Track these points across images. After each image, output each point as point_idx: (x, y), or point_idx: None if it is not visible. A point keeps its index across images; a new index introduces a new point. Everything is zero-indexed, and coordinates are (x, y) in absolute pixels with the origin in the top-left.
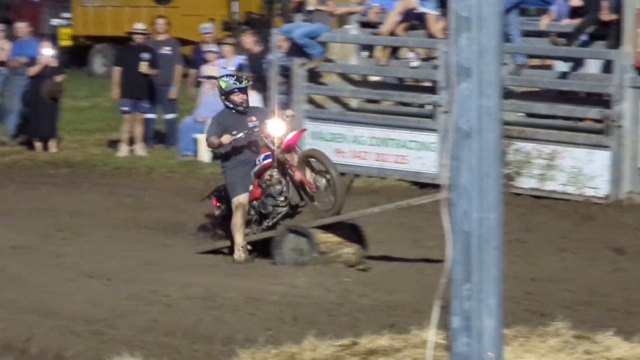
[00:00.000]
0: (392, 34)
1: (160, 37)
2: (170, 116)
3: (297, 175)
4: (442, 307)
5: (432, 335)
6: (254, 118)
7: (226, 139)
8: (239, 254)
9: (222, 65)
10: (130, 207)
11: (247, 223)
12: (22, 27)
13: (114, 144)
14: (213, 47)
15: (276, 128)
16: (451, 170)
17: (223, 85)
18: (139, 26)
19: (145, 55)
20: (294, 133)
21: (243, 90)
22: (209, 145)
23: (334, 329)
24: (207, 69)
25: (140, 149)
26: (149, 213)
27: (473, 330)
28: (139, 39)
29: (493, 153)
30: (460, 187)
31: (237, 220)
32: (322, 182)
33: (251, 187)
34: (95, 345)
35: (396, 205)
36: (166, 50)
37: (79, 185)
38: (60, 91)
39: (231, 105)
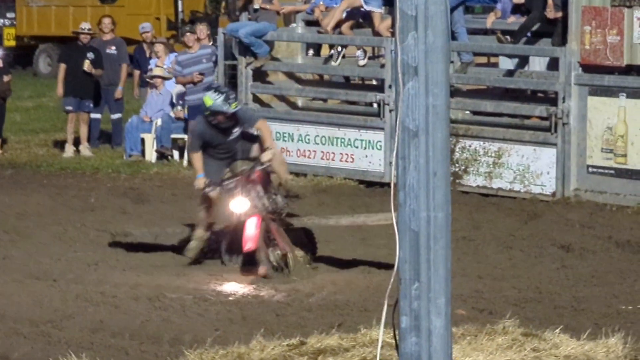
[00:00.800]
0: (338, 32)
1: (106, 37)
2: (116, 116)
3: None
4: (391, 306)
5: (381, 334)
6: (235, 130)
7: (198, 183)
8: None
9: (156, 64)
10: (77, 208)
11: None
12: None
13: (59, 144)
14: (156, 47)
15: (239, 206)
16: (398, 169)
17: (209, 102)
18: (85, 25)
19: (90, 55)
20: (252, 226)
21: (229, 114)
22: (189, 154)
23: (282, 328)
24: (154, 69)
25: (85, 149)
26: (95, 214)
27: (422, 330)
28: (84, 38)
29: (441, 152)
30: (407, 187)
31: (198, 232)
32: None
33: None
34: (42, 347)
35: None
36: (112, 49)
37: (24, 186)
38: (8, 90)
39: (214, 122)
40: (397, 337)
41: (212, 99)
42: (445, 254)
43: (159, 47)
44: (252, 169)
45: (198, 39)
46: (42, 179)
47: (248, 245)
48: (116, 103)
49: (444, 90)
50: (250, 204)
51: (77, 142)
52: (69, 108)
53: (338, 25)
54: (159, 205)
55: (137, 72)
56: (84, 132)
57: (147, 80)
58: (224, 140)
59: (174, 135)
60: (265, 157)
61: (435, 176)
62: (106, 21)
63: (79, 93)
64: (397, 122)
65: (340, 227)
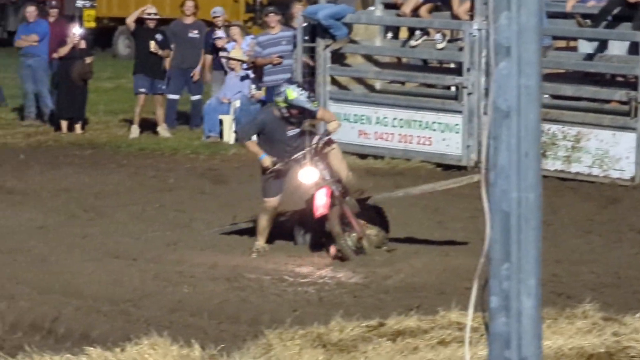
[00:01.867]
0: (416, 15)
1: (188, 20)
2: (195, 97)
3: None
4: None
5: (470, 313)
6: (296, 129)
7: (265, 163)
8: (254, 254)
9: (232, 48)
10: (155, 188)
11: None
12: (31, 11)
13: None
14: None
15: (307, 176)
16: (489, 149)
17: (292, 96)
18: (151, 10)
19: (158, 36)
20: (322, 195)
21: (307, 111)
22: (240, 142)
23: (360, 310)
24: (231, 52)
25: (163, 130)
26: (173, 194)
27: (512, 310)
28: (151, 23)
29: (532, 133)
30: (498, 167)
31: (261, 222)
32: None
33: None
34: (121, 325)
35: (440, 185)
36: (194, 33)
37: (103, 166)
38: (90, 72)
39: (285, 114)
40: (487, 317)
41: (296, 93)
42: (536, 235)
43: (235, 31)
44: (320, 139)
45: (280, 21)
46: (121, 159)
47: (320, 210)
48: (195, 85)
49: (536, 70)
50: (319, 175)
51: (152, 125)
52: (142, 90)
53: (417, 8)
54: (237, 186)
55: (208, 57)
56: (160, 113)
57: (223, 62)
58: (283, 136)
59: None
60: (332, 126)
61: (527, 157)
62: (189, 4)
63: (149, 74)
64: (489, 103)
65: (416, 210)
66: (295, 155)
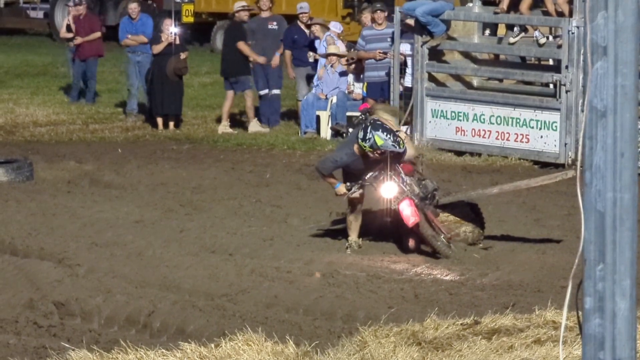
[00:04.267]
0: (516, 11)
1: (265, 14)
2: (275, 91)
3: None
4: (575, 287)
5: (564, 314)
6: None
7: (340, 191)
8: (348, 249)
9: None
10: (252, 183)
11: None
12: (133, 8)
13: (235, 120)
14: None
15: (388, 191)
16: (585, 149)
17: (380, 142)
18: (239, 3)
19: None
20: (407, 206)
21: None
22: (320, 176)
23: (456, 307)
24: (329, 47)
25: (254, 125)
26: (270, 189)
27: (606, 312)
28: (243, 15)
29: (629, 133)
30: (594, 167)
31: (348, 217)
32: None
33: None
34: (217, 320)
35: (515, 186)
36: (273, 25)
37: (200, 160)
38: (185, 68)
39: (371, 155)
40: (581, 318)
41: (383, 139)
42: (631, 235)
43: (316, 28)
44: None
45: (386, 17)
46: (219, 154)
47: (411, 220)
48: (274, 78)
49: (633, 70)
50: (398, 188)
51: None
52: (231, 88)
53: (516, 4)
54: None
55: (288, 52)
56: (251, 108)
57: (322, 58)
58: (365, 165)
59: (349, 113)
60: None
61: (623, 157)
62: None
63: (240, 72)
64: (585, 102)
65: (513, 208)
66: (368, 176)
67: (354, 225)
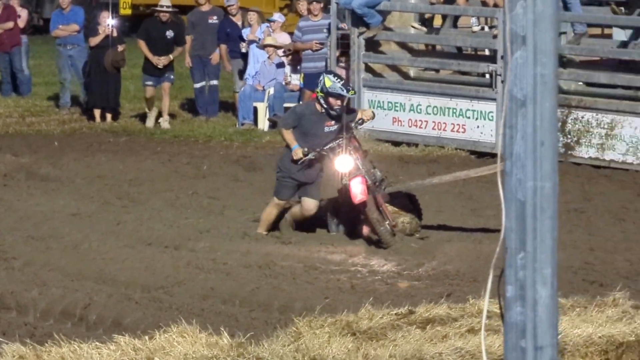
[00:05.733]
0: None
1: (205, 7)
2: (213, 82)
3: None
4: (498, 276)
5: (486, 303)
6: (333, 122)
7: (297, 154)
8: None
9: (247, 34)
10: (189, 175)
11: None
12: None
13: (173, 112)
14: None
15: (344, 164)
16: (505, 138)
17: (328, 84)
18: (165, 2)
19: (169, 33)
20: (358, 183)
21: (344, 99)
22: (279, 129)
23: (392, 297)
24: (266, 38)
25: (164, 122)
26: (207, 181)
27: (527, 300)
28: (164, 16)
29: (549, 122)
30: (514, 156)
31: (269, 216)
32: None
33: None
34: (153, 313)
35: (454, 177)
36: (214, 19)
37: (137, 153)
38: (122, 60)
39: (324, 106)
40: (503, 307)
41: (332, 81)
42: (552, 224)
43: (253, 16)
44: (355, 125)
45: (321, 9)
46: (156, 146)
47: (359, 197)
48: (213, 69)
49: (552, 59)
50: (354, 164)
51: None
52: (149, 83)
53: None
54: (271, 174)
55: (223, 46)
56: (165, 103)
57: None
58: (320, 131)
59: (286, 104)
60: (367, 114)
61: (543, 146)
62: None
63: (157, 70)
64: (505, 91)
65: (450, 198)
66: (329, 145)
67: (269, 224)
